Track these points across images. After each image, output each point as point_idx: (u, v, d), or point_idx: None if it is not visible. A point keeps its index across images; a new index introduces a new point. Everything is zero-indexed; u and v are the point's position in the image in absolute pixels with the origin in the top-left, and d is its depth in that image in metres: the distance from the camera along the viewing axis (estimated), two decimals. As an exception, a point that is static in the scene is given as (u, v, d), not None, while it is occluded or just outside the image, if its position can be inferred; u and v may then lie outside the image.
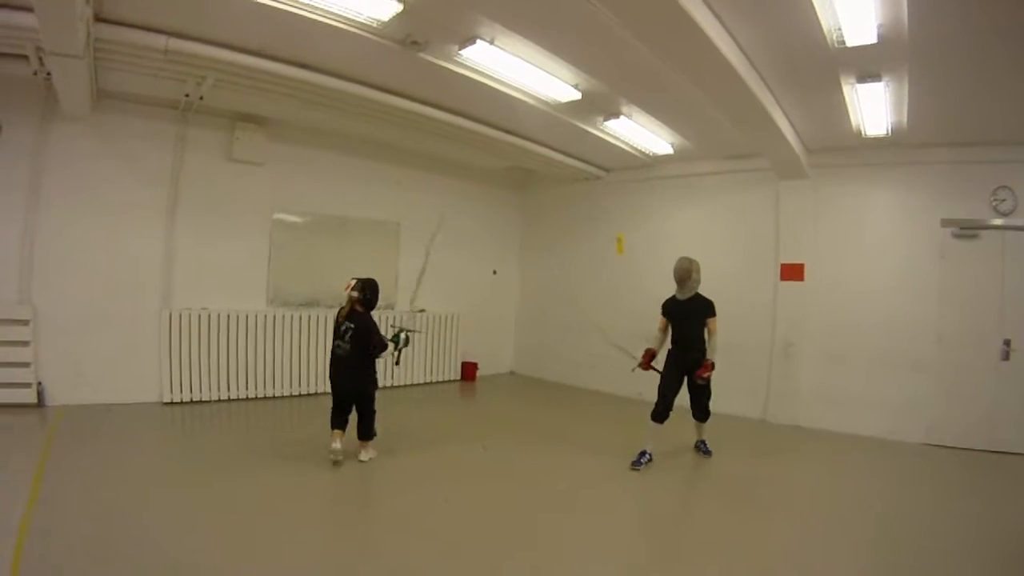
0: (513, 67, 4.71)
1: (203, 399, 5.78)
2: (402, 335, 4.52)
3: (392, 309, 7.11)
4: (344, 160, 6.91)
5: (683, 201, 7.50)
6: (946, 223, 5.76)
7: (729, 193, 7.08)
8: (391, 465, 4.31)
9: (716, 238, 6.99)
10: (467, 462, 4.55)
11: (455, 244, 7.62)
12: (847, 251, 6.24)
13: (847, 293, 6.17)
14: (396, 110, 5.41)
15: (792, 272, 6.47)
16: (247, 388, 6.08)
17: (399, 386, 7.12)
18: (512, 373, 9.02)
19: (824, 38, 3.87)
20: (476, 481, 4.14)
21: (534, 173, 8.56)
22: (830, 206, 6.34)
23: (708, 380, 4.57)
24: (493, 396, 7.67)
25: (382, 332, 4.31)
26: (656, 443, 4.62)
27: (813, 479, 4.77)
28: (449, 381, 7.94)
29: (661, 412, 4.55)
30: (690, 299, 4.71)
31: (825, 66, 4.31)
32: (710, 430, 4.99)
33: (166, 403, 5.61)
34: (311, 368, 6.51)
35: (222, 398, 5.90)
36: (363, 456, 4.28)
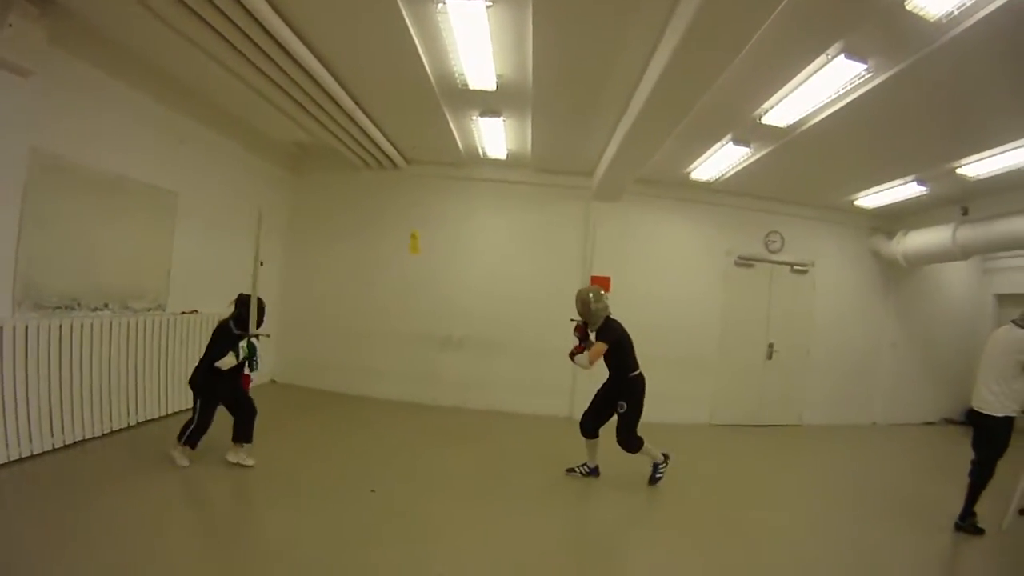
0: (474, 32, 3.77)
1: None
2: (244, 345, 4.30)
3: (163, 310, 5.33)
4: (131, 97, 4.73)
5: (491, 205, 7.40)
6: (729, 254, 7.47)
7: (541, 204, 7.30)
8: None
9: (525, 246, 7.28)
10: (364, 521, 3.58)
11: (225, 227, 6.07)
12: (649, 268, 7.26)
13: (649, 304, 7.05)
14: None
15: (600, 284, 6.97)
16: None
17: (165, 416, 5.24)
18: (273, 382, 7.42)
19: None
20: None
21: (313, 151, 7.28)
22: (637, 228, 7.27)
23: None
24: (289, 415, 6.09)
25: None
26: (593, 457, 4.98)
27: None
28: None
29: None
30: (599, 328, 4.60)
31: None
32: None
33: None
34: (83, 405, 4.34)
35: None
36: (231, 456, 4.29)
